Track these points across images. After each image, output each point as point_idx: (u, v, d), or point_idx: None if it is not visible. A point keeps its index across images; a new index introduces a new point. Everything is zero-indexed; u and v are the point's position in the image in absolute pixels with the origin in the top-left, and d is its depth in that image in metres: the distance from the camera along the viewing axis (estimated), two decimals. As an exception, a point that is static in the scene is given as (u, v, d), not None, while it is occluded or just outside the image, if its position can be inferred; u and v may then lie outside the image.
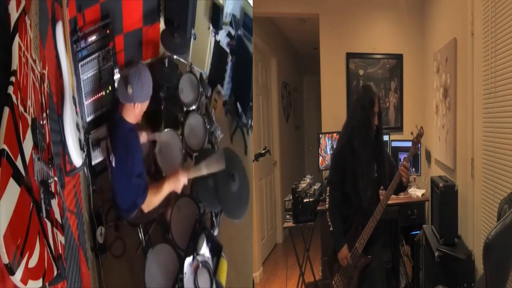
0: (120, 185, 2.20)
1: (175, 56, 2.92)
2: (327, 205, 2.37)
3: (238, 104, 3.26)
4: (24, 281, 0.90)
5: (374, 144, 2.31)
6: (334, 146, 2.52)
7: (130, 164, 2.08)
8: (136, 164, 2.09)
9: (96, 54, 2.44)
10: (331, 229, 2.31)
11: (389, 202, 3.14)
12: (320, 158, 3.60)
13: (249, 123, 3.29)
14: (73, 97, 1.95)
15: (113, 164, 2.12)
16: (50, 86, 1.65)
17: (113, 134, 2.16)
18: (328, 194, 2.37)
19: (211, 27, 3.02)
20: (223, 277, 2.30)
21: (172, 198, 2.50)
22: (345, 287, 2.33)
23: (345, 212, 2.32)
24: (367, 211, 2.25)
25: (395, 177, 2.24)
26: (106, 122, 2.30)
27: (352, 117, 2.36)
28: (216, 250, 2.27)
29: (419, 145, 2.39)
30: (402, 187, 2.34)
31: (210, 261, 2.20)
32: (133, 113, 2.11)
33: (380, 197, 2.35)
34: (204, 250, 2.20)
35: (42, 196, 1.17)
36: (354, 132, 2.29)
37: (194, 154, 2.72)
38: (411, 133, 2.40)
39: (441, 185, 2.38)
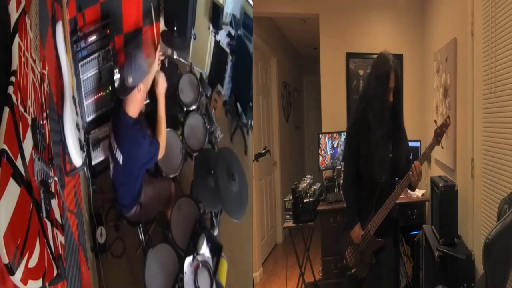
0: (122, 179, 2.22)
1: (175, 56, 2.92)
2: (341, 181, 2.31)
3: (238, 104, 3.25)
4: (24, 281, 0.90)
5: (391, 125, 2.11)
6: (348, 120, 2.31)
7: (141, 152, 2.14)
8: (145, 147, 2.15)
9: (96, 54, 2.43)
10: (344, 205, 2.25)
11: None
12: (320, 158, 3.60)
13: (249, 123, 3.29)
14: (73, 97, 1.95)
15: (118, 158, 2.15)
16: (50, 86, 1.65)
17: (117, 128, 2.19)
18: (342, 170, 2.31)
19: (211, 27, 3.01)
20: (223, 277, 2.30)
21: (172, 198, 2.51)
22: (357, 261, 2.30)
23: (359, 191, 2.22)
24: (382, 193, 2.14)
25: (404, 177, 2.09)
26: (109, 119, 2.35)
27: (367, 89, 2.17)
28: (216, 250, 2.27)
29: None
30: (410, 187, 2.22)
31: (210, 261, 2.20)
32: (137, 101, 2.14)
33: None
34: (204, 250, 2.21)
35: (42, 196, 1.17)
36: (369, 105, 2.10)
37: (194, 154, 2.72)
38: (435, 121, 2.13)
39: (441, 185, 2.38)
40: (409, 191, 3.35)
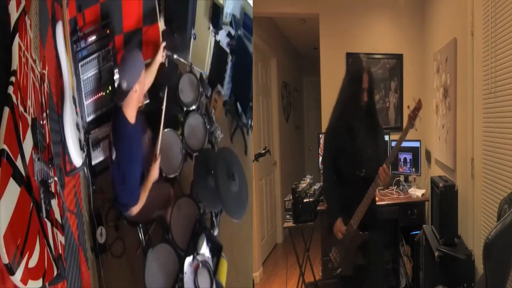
0: (121, 179, 2.22)
1: (175, 56, 2.92)
2: (321, 183, 2.38)
3: (238, 104, 3.26)
4: (24, 281, 0.90)
5: (368, 123, 2.24)
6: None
7: (132, 170, 2.12)
8: (136, 170, 2.13)
9: (96, 54, 2.43)
10: (326, 205, 2.33)
11: (389, 202, 3.18)
12: (320, 158, 3.60)
13: (249, 123, 3.29)
14: (73, 97, 1.95)
15: (114, 158, 2.15)
16: (50, 86, 1.66)
17: (115, 129, 2.18)
18: (321, 172, 2.37)
19: (211, 27, 3.01)
20: (223, 277, 2.30)
21: (171, 198, 2.51)
22: (342, 260, 2.35)
23: (340, 190, 2.30)
24: (364, 187, 2.23)
25: (372, 184, 2.18)
26: (109, 119, 2.33)
27: (342, 91, 2.29)
28: (216, 250, 2.27)
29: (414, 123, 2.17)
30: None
31: (210, 261, 2.20)
32: (134, 102, 2.12)
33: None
34: (204, 250, 2.21)
35: (42, 196, 1.17)
36: (345, 106, 2.23)
37: (194, 154, 2.72)
38: (408, 107, 2.24)
39: (441, 185, 2.38)
40: (409, 191, 3.36)
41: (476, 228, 2.25)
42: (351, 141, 2.22)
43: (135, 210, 2.21)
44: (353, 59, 2.31)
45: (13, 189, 0.93)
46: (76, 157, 1.90)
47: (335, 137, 2.28)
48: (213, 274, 2.18)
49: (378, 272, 2.39)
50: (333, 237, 2.34)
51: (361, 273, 2.32)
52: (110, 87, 2.60)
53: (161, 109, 2.52)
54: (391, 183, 3.56)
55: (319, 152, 3.61)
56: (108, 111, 2.55)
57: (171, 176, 2.57)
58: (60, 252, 1.30)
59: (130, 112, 2.13)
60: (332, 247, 2.39)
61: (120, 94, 2.10)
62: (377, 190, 3.00)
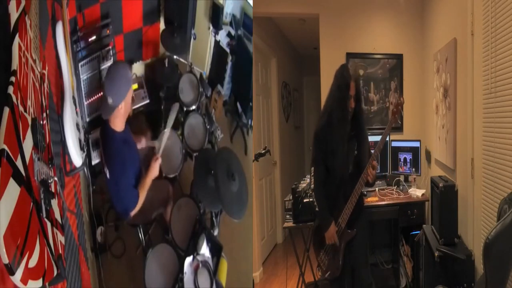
0: (115, 191, 2.19)
1: (175, 56, 2.92)
2: (312, 185, 2.41)
3: (238, 104, 3.26)
4: (24, 281, 0.90)
5: (354, 127, 2.32)
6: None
7: (125, 177, 2.08)
8: (130, 176, 2.10)
9: (96, 54, 2.44)
10: (316, 209, 2.39)
11: (389, 202, 3.19)
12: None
13: (249, 123, 3.29)
14: (73, 97, 1.95)
15: (107, 176, 2.11)
16: (50, 86, 1.65)
17: (106, 146, 2.11)
18: (312, 173, 2.42)
19: (211, 27, 3.02)
20: (223, 277, 2.30)
21: (170, 198, 2.51)
22: (331, 262, 2.39)
23: (329, 190, 2.37)
24: (349, 187, 2.30)
25: (361, 176, 2.26)
26: (99, 131, 2.25)
27: (330, 97, 2.37)
28: (216, 250, 2.27)
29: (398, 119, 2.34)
30: (368, 184, 2.39)
31: (210, 261, 2.20)
32: (120, 117, 2.04)
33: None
34: (204, 250, 2.21)
35: (42, 196, 1.17)
36: (333, 111, 2.31)
37: (194, 154, 2.72)
38: (391, 103, 2.38)
39: (441, 185, 2.38)
40: (409, 191, 3.36)
41: (476, 228, 2.26)
42: (339, 143, 2.30)
43: (133, 211, 2.19)
44: (340, 68, 2.38)
45: (13, 189, 0.93)
46: (76, 157, 1.90)
47: (325, 139, 2.35)
48: (213, 274, 2.18)
49: (364, 267, 2.44)
50: (322, 240, 2.38)
51: (349, 271, 2.39)
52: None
53: (161, 109, 2.51)
54: (390, 183, 3.56)
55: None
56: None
57: (171, 176, 2.58)
58: (60, 252, 1.30)
59: (118, 123, 2.07)
60: (320, 250, 2.44)
61: (106, 109, 2.00)
62: (377, 189, 3.04)
